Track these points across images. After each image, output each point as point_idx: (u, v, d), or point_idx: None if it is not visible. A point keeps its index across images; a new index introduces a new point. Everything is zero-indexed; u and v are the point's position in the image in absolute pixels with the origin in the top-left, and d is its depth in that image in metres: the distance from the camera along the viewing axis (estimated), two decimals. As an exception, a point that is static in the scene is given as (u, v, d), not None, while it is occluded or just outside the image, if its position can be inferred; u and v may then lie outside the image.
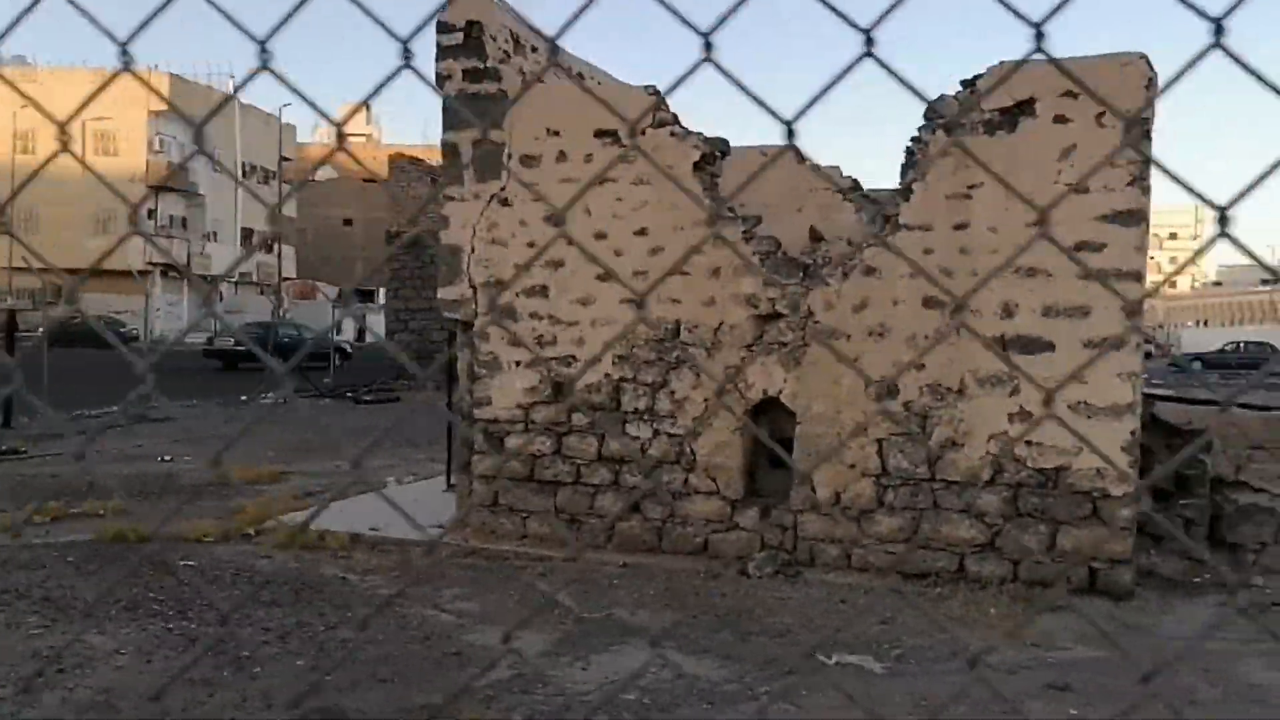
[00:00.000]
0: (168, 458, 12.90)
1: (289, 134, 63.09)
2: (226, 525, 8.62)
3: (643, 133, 7.90)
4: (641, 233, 7.93)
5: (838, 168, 10.81)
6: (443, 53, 8.34)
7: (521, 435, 8.25)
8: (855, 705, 4.87)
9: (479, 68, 8.29)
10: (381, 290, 77.85)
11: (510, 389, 8.29)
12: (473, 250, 8.38)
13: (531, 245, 8.18)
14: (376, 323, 78.41)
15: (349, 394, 23.00)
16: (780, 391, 7.59)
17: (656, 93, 7.89)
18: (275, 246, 61.34)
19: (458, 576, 7.32)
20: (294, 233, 66.66)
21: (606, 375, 8.06)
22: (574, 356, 8.14)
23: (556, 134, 8.10)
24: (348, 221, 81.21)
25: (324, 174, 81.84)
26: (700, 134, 7.93)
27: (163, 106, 50.54)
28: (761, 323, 7.64)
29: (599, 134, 7.97)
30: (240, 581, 6.98)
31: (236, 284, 60.42)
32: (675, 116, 7.91)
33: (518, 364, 8.27)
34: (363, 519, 8.71)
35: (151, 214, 52.03)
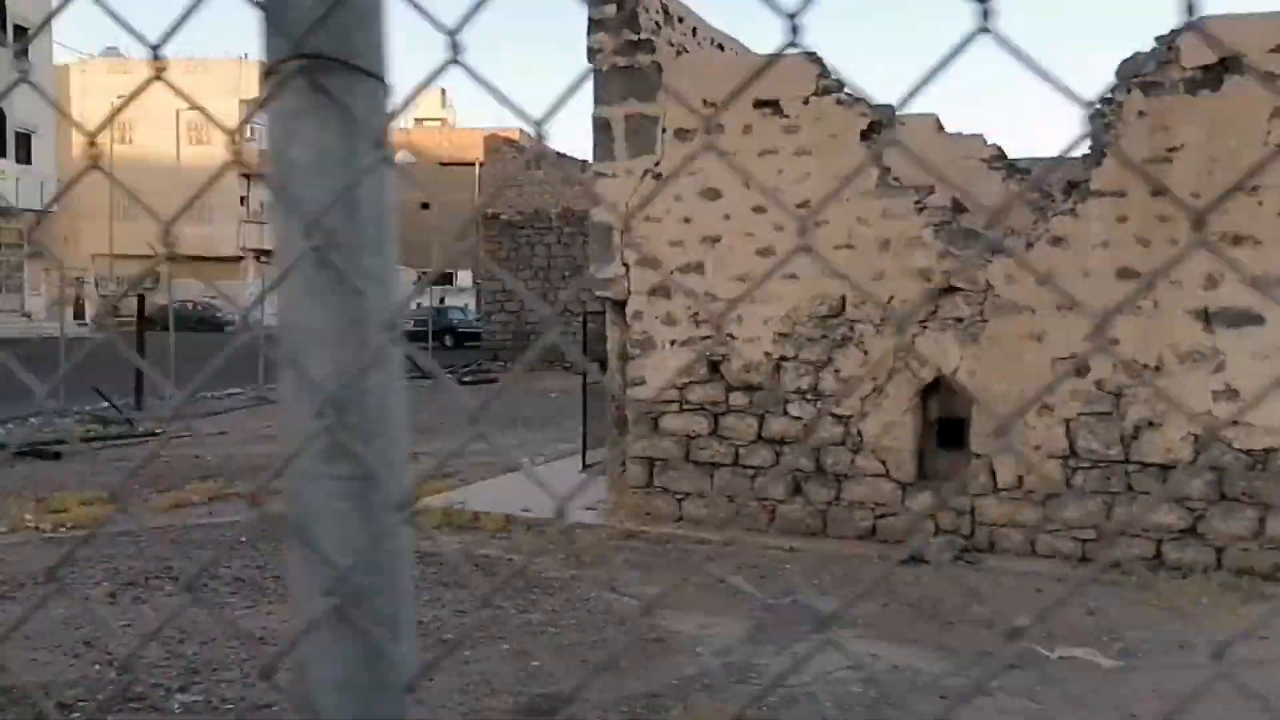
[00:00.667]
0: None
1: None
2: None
3: (806, 101, 7.60)
4: (804, 205, 7.64)
5: (980, 136, 10.38)
6: (594, 26, 8.14)
7: (677, 415, 8.06)
8: (1086, 703, 4.58)
9: (632, 40, 8.07)
10: (461, 273, 78.53)
11: (665, 368, 8.10)
12: (625, 227, 8.18)
13: (687, 221, 7.95)
14: (457, 305, 79.14)
15: (448, 375, 23.13)
16: (955, 369, 7.26)
17: (818, 60, 7.59)
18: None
19: (625, 559, 7.17)
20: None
21: (766, 354, 7.81)
22: (732, 335, 7.90)
23: (713, 106, 7.83)
24: (425, 205, 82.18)
25: (401, 157, 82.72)
26: (865, 101, 7.61)
27: (254, 95, 51.50)
28: (935, 297, 7.31)
29: (758, 104, 7.70)
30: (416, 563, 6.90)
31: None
32: (840, 83, 7.60)
33: (672, 343, 8.07)
34: (511, 500, 8.62)
35: (244, 200, 53.13)
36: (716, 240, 7.87)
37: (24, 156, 37.29)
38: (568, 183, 24.51)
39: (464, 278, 79.52)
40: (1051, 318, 6.98)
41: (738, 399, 7.90)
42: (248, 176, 52.18)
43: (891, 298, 7.40)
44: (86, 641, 4.96)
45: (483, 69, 0.99)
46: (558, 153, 26.00)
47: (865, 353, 7.51)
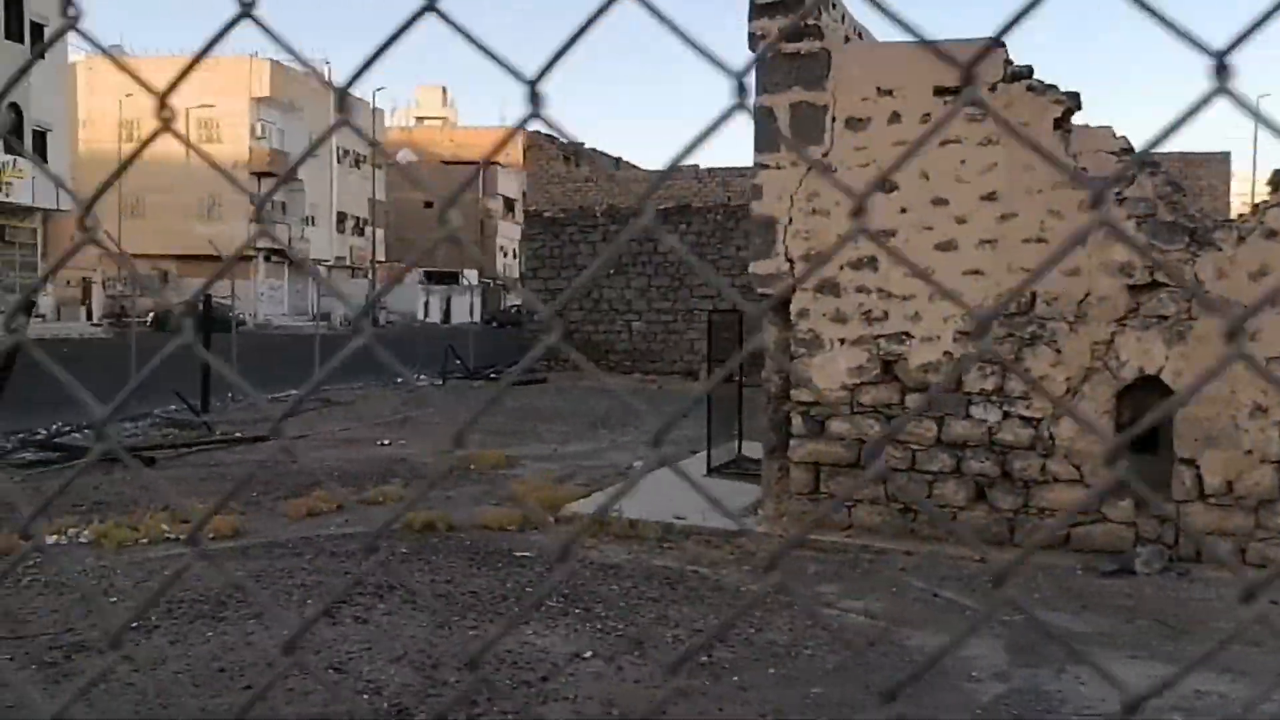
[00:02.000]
0: (385, 442, 12.61)
1: (379, 119, 63.37)
2: (512, 514, 8.20)
3: (992, 88, 7.24)
4: (989, 197, 7.30)
5: (1109, 128, 10.05)
6: (757, 11, 7.77)
7: (847, 418, 7.69)
8: None
9: (799, 25, 7.70)
10: (469, 272, 77.95)
11: (833, 369, 7.73)
12: (789, 221, 7.81)
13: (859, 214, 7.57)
14: (462, 304, 78.74)
15: (492, 375, 22.74)
16: (1160, 369, 6.92)
17: (1001, 45, 7.23)
18: (368, 230, 61.79)
19: (815, 571, 6.81)
20: (382, 216, 67.05)
21: (946, 353, 7.45)
22: (907, 333, 7.54)
23: (889, 94, 7.48)
24: (428, 204, 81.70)
25: (404, 156, 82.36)
26: (1056, 87, 7.26)
27: (265, 93, 50.97)
28: (1137, 293, 6.97)
29: (939, 92, 7.34)
30: (604, 575, 6.52)
31: (330, 268, 60.95)
32: (1030, 69, 7.24)
33: (842, 342, 7.70)
34: (656, 506, 8.24)
35: (252, 199, 52.48)
36: (892, 234, 7.51)
37: (40, 154, 36.66)
38: (612, 179, 24.14)
39: (471, 276, 79.19)
40: (1266, 315, 6.64)
41: (914, 400, 7.53)
42: (259, 175, 51.58)
43: (1087, 294, 7.05)
44: (335, 666, 4.57)
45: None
46: (588, 148, 25.59)
47: (1059, 351, 7.16)
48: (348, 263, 62.86)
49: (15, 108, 34.30)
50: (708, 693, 4.46)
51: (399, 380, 21.24)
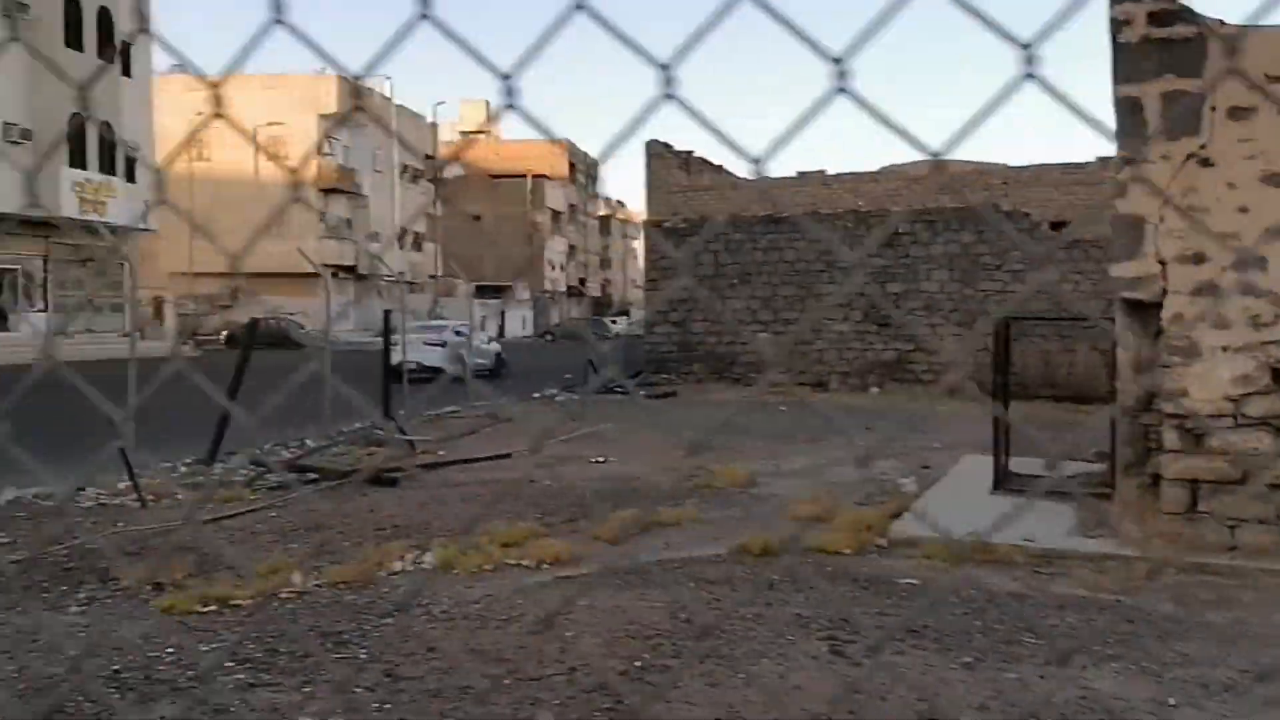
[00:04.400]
0: (600, 459, 12.14)
1: (435, 133, 63.37)
2: (842, 537, 7.70)
3: (1407, 72, 6.70)
4: (1402, 191, 6.75)
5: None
6: (1121, -6, 7.27)
7: (1232, 431, 7.14)
8: None
9: (1168, 9, 7.19)
10: (516, 285, 77.65)
11: (1214, 378, 7.18)
12: (1161, 220, 7.28)
13: (1244, 211, 7.05)
14: (514, 317, 78.59)
15: (620, 389, 22.27)
16: None
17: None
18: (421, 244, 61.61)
19: (1251, 599, 6.26)
20: (437, 230, 66.99)
21: (1351, 359, 6.90)
22: (1303, 339, 6.99)
23: (1279, 80, 6.95)
24: (476, 217, 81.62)
25: (451, 171, 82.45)
26: None
27: (332, 110, 50.94)
28: None
29: (1340, 77, 6.80)
30: (1023, 605, 5.99)
31: (392, 282, 60.84)
32: None
33: (1224, 349, 7.16)
34: (965, 524, 7.69)
35: (322, 216, 52.54)
36: (1282, 232, 6.97)
37: (128, 173, 36.70)
38: (735, 188, 23.69)
39: (521, 290, 79.00)
40: None
41: (1310, 411, 6.97)
42: (326, 191, 51.60)
43: None
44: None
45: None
46: (700, 159, 25.16)
47: None
48: (406, 278, 62.75)
49: (107, 125, 34.33)
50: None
51: (535, 395, 20.86)
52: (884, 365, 22.22)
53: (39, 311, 35.51)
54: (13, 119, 31.44)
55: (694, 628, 5.41)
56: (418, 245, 63.65)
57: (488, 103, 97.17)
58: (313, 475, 10.40)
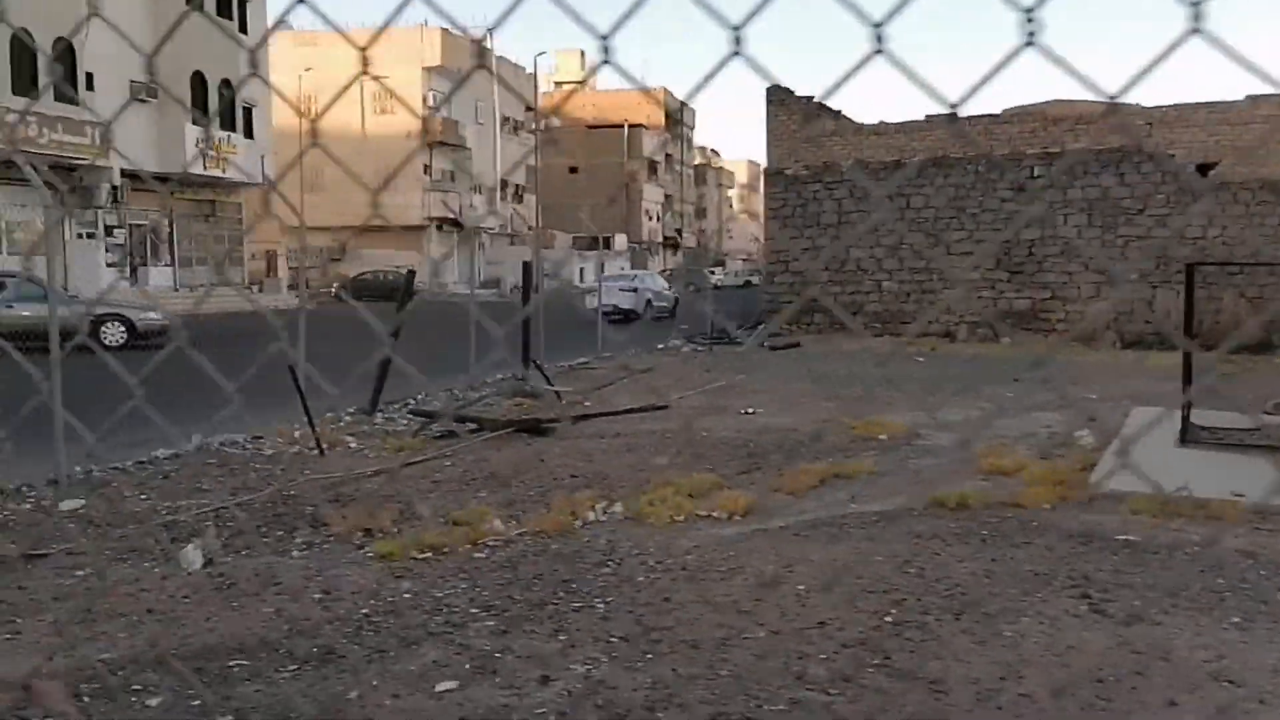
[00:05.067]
0: (750, 410, 12.01)
1: (535, 84, 63.20)
2: (1040, 491, 7.44)
3: None
4: None
5: None
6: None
7: None
8: None
9: None
10: (619, 237, 77.74)
11: None
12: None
13: None
14: (613, 269, 78.80)
15: (733, 340, 22.07)
16: None
17: None
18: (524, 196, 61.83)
19: None
20: (536, 181, 67.17)
21: None
22: None
23: None
24: (573, 169, 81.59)
25: (550, 122, 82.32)
26: None
27: (436, 63, 51.25)
28: None
29: None
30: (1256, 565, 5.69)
31: (493, 235, 61.38)
32: None
33: None
34: (1171, 480, 7.33)
35: (427, 169, 53.07)
36: None
37: (246, 130, 37.50)
38: (859, 133, 23.08)
39: (620, 241, 79.00)
40: None
41: None
42: (431, 145, 52.07)
43: None
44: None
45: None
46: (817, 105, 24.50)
47: None
48: (508, 230, 63.19)
49: (226, 82, 35.06)
50: None
51: (660, 346, 20.80)
52: (1016, 314, 21.55)
53: (165, 266, 36.74)
54: (139, 77, 32.31)
55: (924, 582, 5.26)
56: (519, 197, 63.97)
57: (583, 53, 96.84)
58: (472, 425, 10.49)
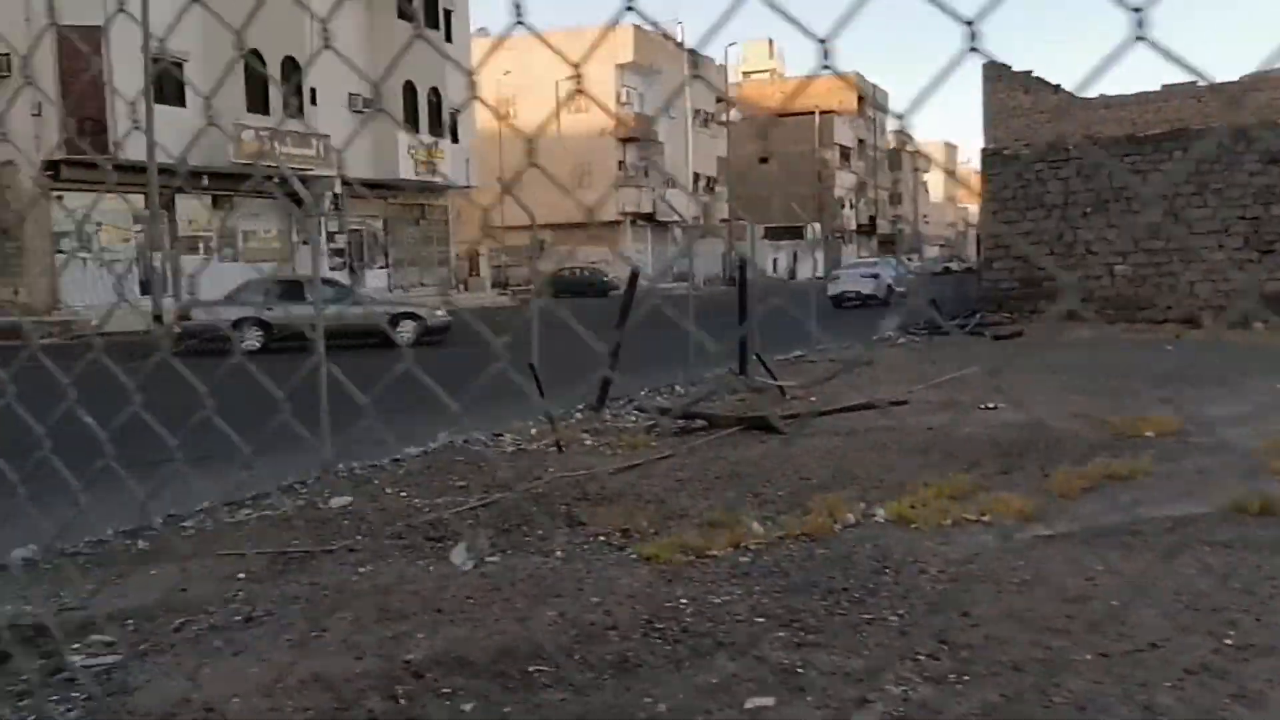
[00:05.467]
0: (990, 405, 11.38)
1: (725, 75, 62.89)
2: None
3: None
4: None
5: None
6: None
7: None
8: None
9: None
10: (814, 226, 76.44)
11: None
12: None
13: None
14: (806, 259, 77.65)
15: (954, 328, 21.12)
16: None
17: None
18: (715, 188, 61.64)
19: None
20: (727, 173, 66.84)
21: None
22: None
23: None
24: (763, 159, 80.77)
25: (739, 113, 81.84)
26: None
27: (629, 60, 51.82)
28: None
29: None
30: None
31: (685, 228, 61.54)
32: None
33: None
34: None
35: (621, 164, 53.75)
36: None
37: (452, 134, 38.95)
38: (1090, 108, 21.66)
39: (813, 230, 77.70)
40: None
41: None
42: (625, 141, 52.73)
43: None
44: None
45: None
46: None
47: None
48: (699, 223, 63.20)
49: (434, 90, 36.54)
50: None
51: (875, 337, 20.17)
52: (1269, 298, 19.68)
53: (381, 268, 38.68)
54: (356, 90, 34.11)
55: (1256, 599, 4.69)
56: (710, 189, 63.94)
57: (770, 41, 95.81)
58: (701, 422, 10.36)
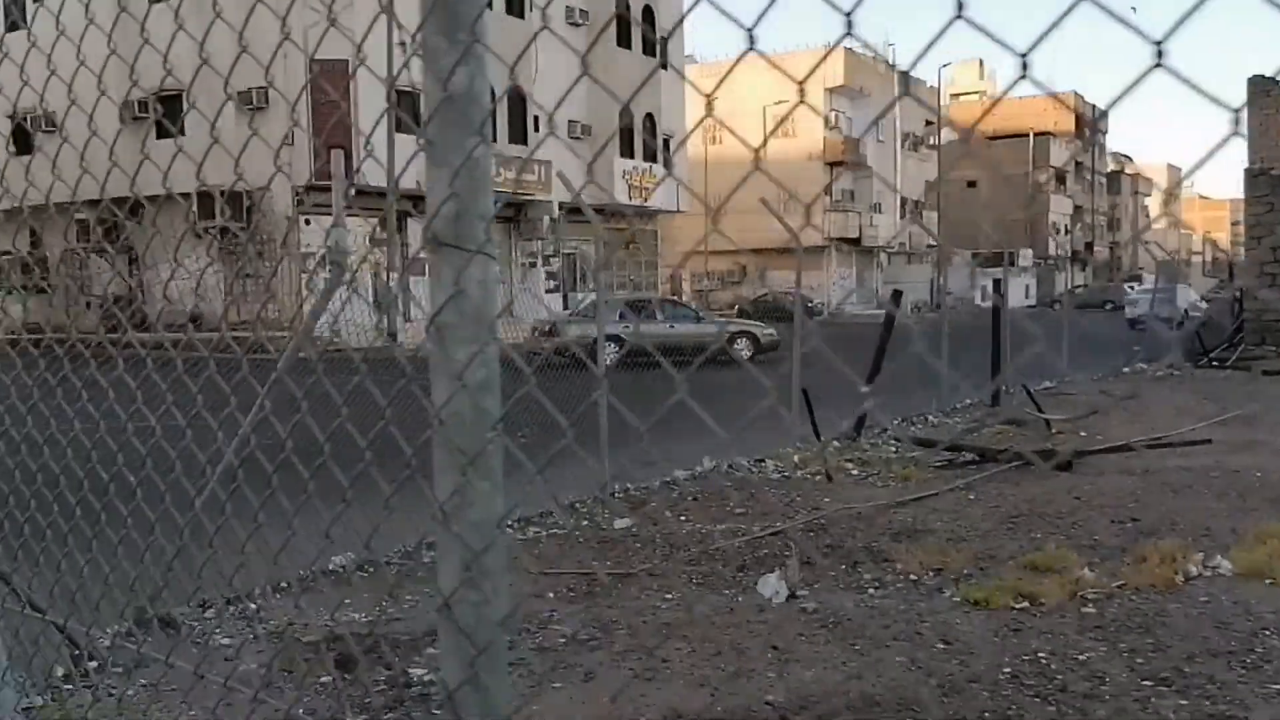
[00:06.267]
0: (1294, 447, 10.25)
1: (938, 97, 61.09)
2: None
3: None
4: None
5: None
6: None
7: None
8: None
9: None
10: (1024, 251, 73.11)
11: None
12: None
13: None
14: (1017, 286, 74.26)
15: (1212, 360, 19.40)
16: None
17: None
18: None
19: None
20: (937, 198, 64.79)
21: None
22: None
23: None
24: (971, 183, 77.80)
25: (946, 135, 79.18)
26: None
27: (838, 83, 51.10)
28: None
29: None
30: None
31: (892, 254, 60.00)
32: None
33: None
34: None
35: (828, 190, 52.93)
36: None
37: (665, 160, 39.34)
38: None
39: (1025, 256, 74.27)
40: None
41: None
42: (831, 165, 51.93)
43: None
44: None
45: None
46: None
47: None
48: (907, 249, 61.54)
49: (649, 117, 37.04)
50: None
51: (1125, 369, 18.80)
52: None
53: (593, 290, 39.41)
54: (575, 117, 34.98)
55: None
56: (918, 213, 62.16)
57: (981, 62, 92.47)
58: (969, 456, 9.76)
